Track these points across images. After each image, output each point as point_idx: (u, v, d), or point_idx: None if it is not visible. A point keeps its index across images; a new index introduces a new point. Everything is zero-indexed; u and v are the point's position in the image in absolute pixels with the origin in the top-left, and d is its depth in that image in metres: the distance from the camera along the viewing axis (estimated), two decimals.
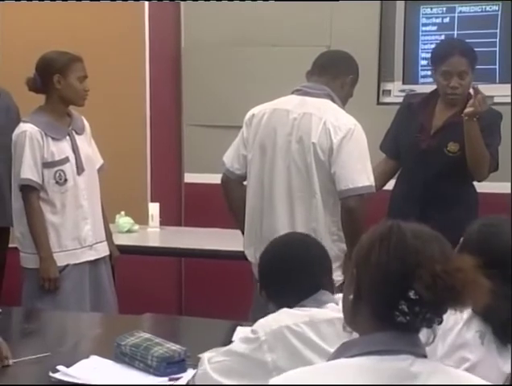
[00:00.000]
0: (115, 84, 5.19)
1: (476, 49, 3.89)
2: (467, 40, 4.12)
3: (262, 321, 2.21)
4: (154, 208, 5.06)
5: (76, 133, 3.91)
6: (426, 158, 3.85)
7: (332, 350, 1.71)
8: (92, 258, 3.92)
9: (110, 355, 2.69)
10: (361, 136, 3.43)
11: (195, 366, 2.43)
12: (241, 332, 2.67)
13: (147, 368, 2.59)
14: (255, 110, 3.58)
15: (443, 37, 4.78)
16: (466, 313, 2.21)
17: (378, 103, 4.97)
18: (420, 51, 4.91)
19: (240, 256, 3.70)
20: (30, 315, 3.58)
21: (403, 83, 4.94)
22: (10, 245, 4.47)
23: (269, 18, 5.04)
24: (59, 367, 2.57)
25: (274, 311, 2.26)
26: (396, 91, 4.94)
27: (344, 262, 3.38)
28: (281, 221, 3.45)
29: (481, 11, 4.76)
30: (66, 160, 3.83)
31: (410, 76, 4.94)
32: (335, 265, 2.69)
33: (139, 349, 2.62)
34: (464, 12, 4.80)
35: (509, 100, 4.61)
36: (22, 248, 3.87)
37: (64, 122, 3.88)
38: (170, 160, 5.41)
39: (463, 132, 3.71)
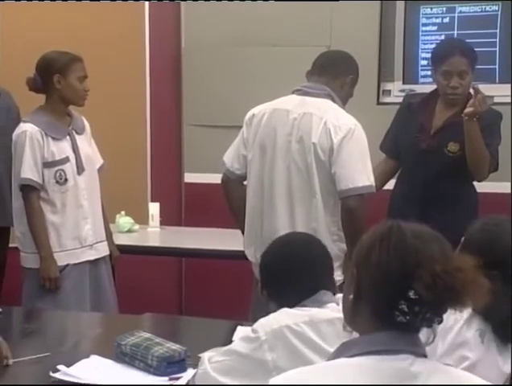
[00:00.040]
0: (115, 84, 5.20)
1: (476, 49, 3.89)
2: (467, 40, 4.11)
3: (262, 320, 2.21)
4: (154, 208, 5.07)
5: (77, 132, 3.91)
6: (426, 158, 3.86)
7: (332, 349, 1.71)
8: (93, 258, 3.92)
9: (111, 355, 2.69)
10: (361, 136, 3.43)
11: (195, 366, 2.43)
12: (242, 332, 2.68)
13: (148, 368, 2.59)
14: (255, 110, 3.58)
15: (443, 37, 4.78)
16: (466, 312, 2.21)
17: (378, 103, 4.97)
18: (420, 51, 4.91)
19: (240, 256, 3.70)
20: (31, 315, 3.58)
21: (403, 83, 4.94)
22: (11, 245, 4.47)
23: (269, 18, 5.04)
24: (60, 367, 2.57)
25: (274, 311, 2.27)
26: (396, 91, 4.94)
27: (344, 262, 3.38)
28: (281, 221, 3.45)
29: (481, 11, 4.77)
30: (66, 160, 3.83)
31: (410, 76, 4.94)
32: (335, 265, 2.69)
33: (139, 349, 2.62)
34: (464, 12, 4.81)
35: (509, 100, 4.61)
36: (22, 247, 3.87)
37: (64, 122, 3.89)
38: (170, 160, 5.42)
39: (463, 132, 3.71)
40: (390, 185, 4.08)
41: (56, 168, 3.81)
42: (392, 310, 1.53)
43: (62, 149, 3.83)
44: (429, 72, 4.31)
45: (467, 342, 2.29)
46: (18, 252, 3.90)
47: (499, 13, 4.73)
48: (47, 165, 3.79)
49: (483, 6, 4.76)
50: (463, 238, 2.45)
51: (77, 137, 3.90)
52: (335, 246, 3.38)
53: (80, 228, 3.87)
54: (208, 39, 5.17)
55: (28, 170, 3.76)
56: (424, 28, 4.89)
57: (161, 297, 5.18)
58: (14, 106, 4.59)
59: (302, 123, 3.44)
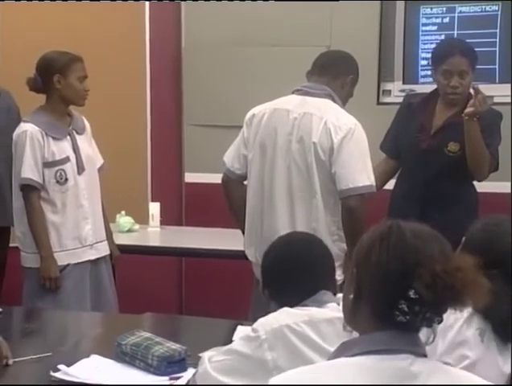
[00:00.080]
0: (115, 84, 5.20)
1: (476, 49, 3.89)
2: (467, 40, 4.12)
3: (262, 320, 2.21)
4: (154, 208, 5.07)
5: (77, 132, 3.91)
6: (426, 157, 3.86)
7: (332, 349, 1.71)
8: (93, 257, 3.92)
9: (111, 355, 2.70)
10: (361, 136, 3.43)
11: (195, 365, 2.43)
12: (242, 331, 2.68)
13: (148, 367, 2.60)
14: (255, 110, 3.59)
15: (443, 37, 4.79)
16: (466, 311, 2.21)
17: (378, 103, 4.98)
18: (420, 51, 4.91)
19: (240, 256, 3.71)
20: (31, 315, 3.59)
21: (403, 83, 4.95)
22: (11, 245, 4.47)
23: (269, 18, 5.04)
24: (60, 367, 2.58)
25: (275, 310, 2.27)
26: (396, 91, 4.95)
27: (344, 262, 3.38)
28: (281, 221, 3.46)
29: (481, 11, 4.77)
30: (66, 160, 3.83)
31: (410, 76, 4.94)
32: (335, 265, 2.69)
33: (140, 348, 2.63)
34: (464, 12, 4.81)
35: (509, 100, 4.61)
36: (22, 247, 3.88)
37: (64, 122, 3.89)
38: (170, 160, 5.42)
39: (463, 132, 3.71)
40: (391, 185, 4.08)
41: (57, 168, 3.81)
42: (392, 309, 1.53)
43: (62, 149, 3.84)
44: (429, 72, 4.32)
45: (467, 341, 2.29)
46: (19, 252, 3.91)
47: (499, 13, 4.73)
48: (48, 165, 3.79)
49: (483, 6, 4.76)
50: (464, 238, 2.46)
51: (78, 136, 3.91)
52: (335, 246, 3.38)
53: (81, 228, 3.88)
54: (209, 38, 5.17)
55: (29, 169, 3.76)
56: (424, 28, 4.90)
57: (161, 296, 5.18)
58: (15, 106, 4.60)
59: (302, 123, 3.44)
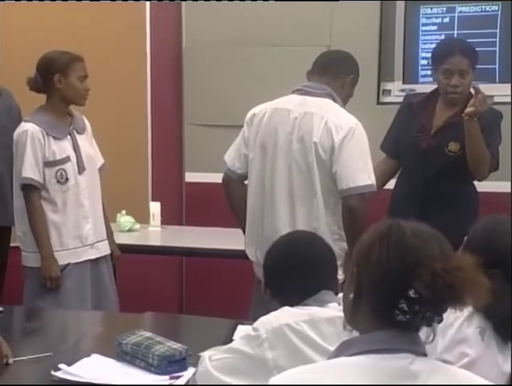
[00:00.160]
0: (116, 84, 5.20)
1: (476, 49, 3.89)
2: (467, 40, 4.12)
3: (263, 319, 2.22)
4: (155, 207, 5.07)
5: (77, 132, 3.92)
6: (426, 157, 3.86)
7: (332, 348, 1.71)
8: (94, 257, 3.93)
9: (112, 354, 2.70)
10: (362, 135, 3.43)
11: (196, 364, 2.43)
12: (242, 331, 2.68)
13: (148, 367, 2.60)
14: (256, 110, 3.59)
15: (443, 37, 4.79)
16: (467, 309, 2.22)
17: (378, 103, 4.98)
18: (420, 50, 4.92)
19: (241, 255, 3.71)
20: (32, 314, 3.59)
21: (403, 82, 4.95)
22: (12, 244, 4.47)
23: (269, 18, 5.04)
24: (61, 366, 2.58)
25: (276, 309, 2.27)
26: (396, 90, 4.95)
27: (344, 261, 3.38)
28: (282, 220, 3.46)
29: (481, 11, 4.77)
30: (67, 159, 3.84)
31: (410, 76, 4.95)
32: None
33: (140, 347, 2.63)
34: (464, 12, 4.81)
35: (509, 100, 4.62)
36: (23, 247, 3.88)
37: (65, 122, 3.89)
38: (171, 159, 5.42)
39: (463, 131, 3.71)
40: (391, 184, 4.08)
41: (57, 167, 3.81)
42: (392, 308, 1.53)
43: (63, 148, 3.84)
44: (429, 72, 4.32)
45: (467, 339, 2.30)
46: (20, 252, 3.91)
47: (499, 13, 4.73)
48: (48, 164, 3.80)
49: (483, 6, 4.76)
50: (466, 237, 2.46)
51: (78, 136, 3.91)
52: (336, 245, 3.37)
53: (81, 227, 3.88)
54: (209, 38, 5.17)
55: (29, 169, 3.76)
56: (424, 28, 4.90)
57: (162, 296, 5.19)
58: (16, 106, 4.60)
59: (303, 122, 3.44)
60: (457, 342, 2.30)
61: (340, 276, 3.19)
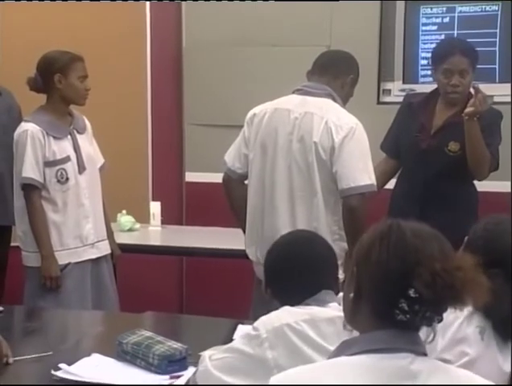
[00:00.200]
0: (116, 84, 5.21)
1: (476, 49, 3.90)
2: (467, 40, 4.12)
3: (263, 318, 2.22)
4: (155, 207, 5.08)
5: (78, 132, 3.92)
6: (426, 157, 3.86)
7: (332, 348, 1.72)
8: (94, 256, 3.93)
9: (112, 353, 2.70)
10: (362, 135, 3.44)
11: (196, 364, 2.43)
12: (242, 330, 2.69)
13: (149, 366, 2.60)
14: (256, 110, 3.59)
15: (443, 37, 4.79)
16: (467, 309, 2.22)
17: (378, 102, 4.98)
18: (420, 50, 4.92)
19: (241, 255, 3.71)
20: (32, 314, 3.59)
21: (403, 82, 4.95)
22: (12, 244, 4.47)
23: (269, 18, 5.05)
24: (61, 365, 2.58)
25: (276, 309, 2.27)
26: (396, 90, 4.95)
27: (344, 261, 3.39)
28: (282, 220, 3.46)
29: (481, 11, 4.77)
30: (67, 159, 3.84)
31: (410, 76, 4.95)
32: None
33: (141, 347, 2.63)
34: (464, 12, 4.81)
35: (509, 100, 4.62)
36: (23, 246, 3.89)
37: (65, 121, 3.90)
38: (171, 159, 5.43)
39: (463, 131, 3.71)
40: (391, 184, 4.08)
41: (57, 167, 3.82)
42: (392, 308, 1.53)
43: (63, 148, 3.84)
44: (429, 72, 4.32)
45: (467, 338, 2.30)
46: (20, 251, 3.91)
47: (499, 13, 4.73)
48: (49, 164, 3.80)
49: (483, 6, 4.76)
50: (466, 237, 2.47)
51: (78, 136, 3.91)
52: (336, 245, 3.36)
53: (82, 227, 3.89)
54: (209, 38, 5.18)
55: (30, 169, 3.77)
56: (424, 28, 4.90)
57: (162, 295, 5.19)
58: (16, 105, 4.60)
59: (303, 122, 3.44)
60: (457, 342, 2.30)
61: (341, 275, 3.20)
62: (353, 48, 3.79)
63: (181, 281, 5.45)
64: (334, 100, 3.50)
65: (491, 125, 3.79)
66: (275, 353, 2.14)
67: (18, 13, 5.26)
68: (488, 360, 2.27)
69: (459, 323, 2.31)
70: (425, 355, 1.59)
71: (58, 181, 3.82)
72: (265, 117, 3.52)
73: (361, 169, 3.39)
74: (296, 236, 2.61)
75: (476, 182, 3.94)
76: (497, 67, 4.76)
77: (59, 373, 2.56)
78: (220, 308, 4.10)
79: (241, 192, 3.63)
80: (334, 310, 2.21)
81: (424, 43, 4.89)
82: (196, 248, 4.60)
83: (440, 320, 1.57)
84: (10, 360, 2.67)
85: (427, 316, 1.55)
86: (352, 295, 1.63)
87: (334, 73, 3.55)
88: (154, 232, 5.02)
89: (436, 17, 4.87)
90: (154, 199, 5.21)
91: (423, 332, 1.60)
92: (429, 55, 4.29)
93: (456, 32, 4.82)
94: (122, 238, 4.54)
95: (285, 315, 2.21)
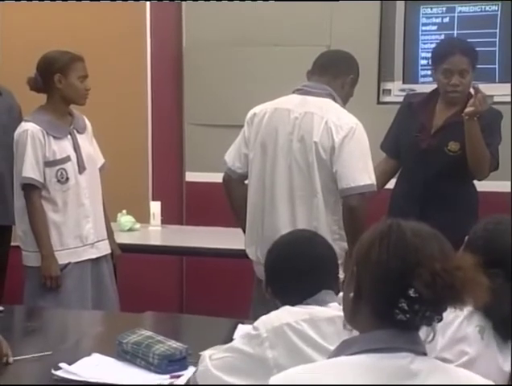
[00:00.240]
0: (117, 84, 5.21)
1: (476, 49, 3.90)
2: (467, 40, 4.13)
3: (263, 318, 2.22)
4: (155, 207, 5.07)
5: (78, 132, 3.92)
6: (426, 157, 3.86)
7: (332, 348, 1.72)
8: (94, 256, 3.93)
9: (112, 353, 2.71)
10: (362, 135, 3.44)
11: (196, 363, 2.42)
12: (242, 330, 2.69)
13: (149, 366, 2.61)
14: (256, 109, 3.59)
15: (443, 37, 4.79)
16: (466, 308, 2.22)
17: (378, 102, 4.98)
18: (420, 50, 4.92)
19: (241, 255, 3.71)
20: (32, 313, 3.60)
21: (403, 82, 4.95)
22: (12, 244, 4.47)
23: (269, 18, 5.05)
24: (62, 365, 2.59)
25: (276, 309, 2.27)
26: (396, 90, 4.95)
27: (345, 260, 3.39)
28: (282, 220, 3.46)
29: (481, 11, 4.78)
30: (67, 159, 3.84)
31: (410, 76, 4.95)
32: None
33: (141, 347, 2.63)
34: (463, 12, 4.81)
35: (509, 100, 4.62)
36: (24, 246, 3.89)
37: (65, 121, 3.90)
38: (171, 159, 5.43)
39: (463, 131, 3.71)
40: (391, 184, 4.09)
41: (58, 167, 3.82)
42: (392, 308, 1.53)
43: (63, 148, 3.85)
44: (429, 72, 4.32)
45: (466, 338, 2.30)
46: (20, 251, 3.92)
47: (499, 13, 4.74)
48: (49, 164, 3.80)
49: (483, 6, 4.76)
50: (466, 237, 2.47)
51: (78, 136, 3.92)
52: (336, 245, 3.36)
53: (82, 227, 3.89)
54: (209, 38, 5.18)
55: (30, 169, 3.77)
56: (424, 28, 4.90)
57: (162, 295, 5.19)
58: (16, 105, 4.60)
59: (303, 122, 3.44)
60: (457, 341, 2.30)
61: (341, 275, 3.20)
62: (353, 48, 3.79)
63: (181, 280, 5.45)
64: (334, 100, 3.51)
65: (491, 124, 3.80)
66: (275, 353, 2.14)
67: (18, 13, 5.26)
68: (488, 360, 2.28)
69: (459, 322, 2.31)
70: (425, 354, 1.59)
71: (58, 181, 3.82)
72: (265, 117, 3.53)
73: (361, 169, 3.40)
74: (296, 235, 2.61)
75: (476, 182, 3.94)
76: (496, 67, 4.76)
77: (59, 372, 2.56)
78: (220, 308, 4.10)
79: (242, 192, 3.63)
80: (334, 309, 2.21)
81: (424, 43, 4.89)
82: (196, 248, 4.60)
83: (440, 320, 1.57)
84: (10, 360, 2.67)
85: (427, 316, 1.55)
86: (352, 295, 1.63)
87: (334, 73, 3.55)
88: (155, 231, 5.02)
89: (436, 17, 4.87)
90: (154, 199, 5.21)
91: (423, 332, 1.60)
92: (429, 55, 4.29)
93: (455, 32, 4.82)
94: (122, 238, 4.54)
95: (285, 315, 2.21)
